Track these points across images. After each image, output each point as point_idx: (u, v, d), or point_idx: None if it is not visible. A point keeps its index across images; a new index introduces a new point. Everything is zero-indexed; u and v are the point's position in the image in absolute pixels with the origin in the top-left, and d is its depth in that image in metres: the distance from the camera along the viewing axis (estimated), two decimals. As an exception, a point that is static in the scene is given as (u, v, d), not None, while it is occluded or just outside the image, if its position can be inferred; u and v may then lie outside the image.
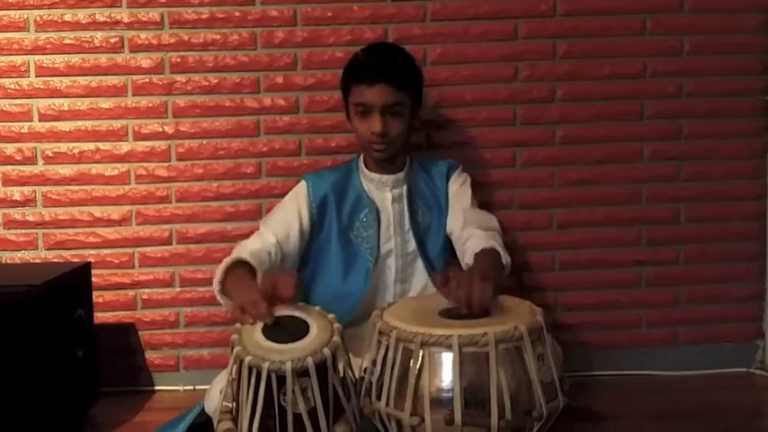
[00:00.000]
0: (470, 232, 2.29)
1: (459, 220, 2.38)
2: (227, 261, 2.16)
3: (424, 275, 2.39)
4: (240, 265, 2.15)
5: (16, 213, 2.75)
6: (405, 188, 2.43)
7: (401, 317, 1.86)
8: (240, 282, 2.07)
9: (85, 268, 2.58)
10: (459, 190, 2.47)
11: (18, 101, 2.71)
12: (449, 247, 2.43)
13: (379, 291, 2.40)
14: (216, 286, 2.13)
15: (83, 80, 2.72)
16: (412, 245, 2.41)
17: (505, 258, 2.18)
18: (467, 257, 2.21)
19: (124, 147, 2.75)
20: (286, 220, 2.38)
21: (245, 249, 2.22)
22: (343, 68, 2.40)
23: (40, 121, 2.72)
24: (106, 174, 2.75)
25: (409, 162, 2.47)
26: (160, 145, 2.75)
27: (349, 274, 2.39)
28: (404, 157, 2.46)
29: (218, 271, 2.14)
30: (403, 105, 2.32)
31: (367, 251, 2.39)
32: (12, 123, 2.72)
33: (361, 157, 2.48)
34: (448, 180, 2.48)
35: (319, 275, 2.42)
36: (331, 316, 1.91)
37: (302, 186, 2.44)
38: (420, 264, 2.40)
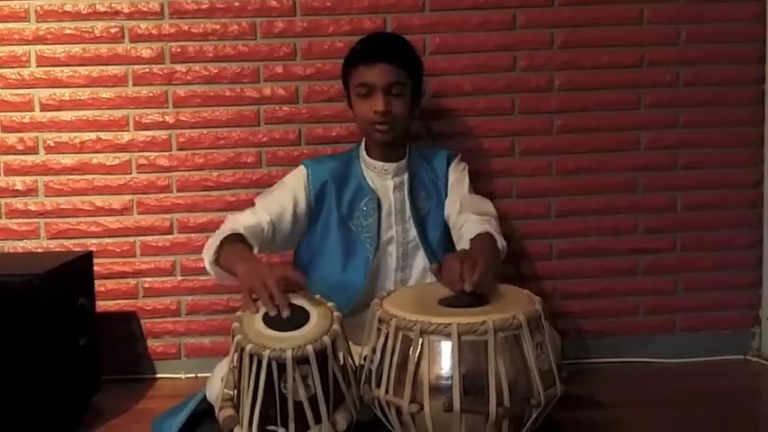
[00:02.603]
0: (466, 218, 2.30)
1: (455, 206, 2.40)
2: (222, 232, 2.16)
3: (424, 263, 2.40)
4: (236, 237, 2.15)
5: (18, 203, 2.76)
6: (406, 176, 2.44)
7: (401, 305, 1.87)
8: (244, 256, 2.06)
9: (87, 257, 2.60)
10: (458, 176, 2.49)
11: (19, 91, 2.73)
12: (449, 234, 2.44)
13: (379, 278, 2.41)
14: (210, 256, 2.12)
15: (83, 70, 2.73)
16: (413, 233, 2.42)
17: (501, 242, 2.20)
18: (462, 243, 2.22)
19: (125, 136, 2.76)
20: (282, 200, 2.37)
21: (240, 223, 2.22)
22: (345, 57, 2.41)
23: (41, 110, 2.73)
24: (107, 163, 2.76)
25: (410, 151, 2.48)
26: (161, 134, 2.76)
27: (348, 264, 2.39)
28: (405, 145, 2.47)
29: (213, 241, 2.14)
30: (404, 86, 2.33)
31: (367, 240, 2.40)
32: (13, 113, 2.73)
33: (363, 145, 2.48)
34: (448, 168, 2.49)
35: (319, 264, 2.42)
36: (331, 304, 1.92)
37: (302, 171, 2.44)
38: (420, 252, 2.41)
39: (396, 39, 2.45)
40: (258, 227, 2.26)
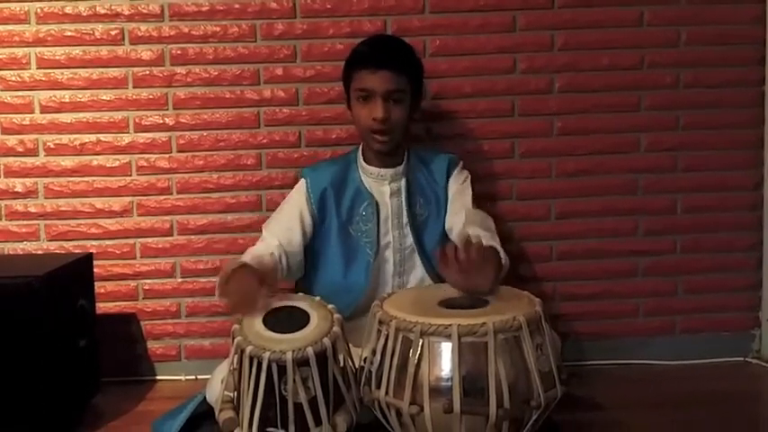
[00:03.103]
0: (472, 230, 2.30)
1: (460, 218, 2.39)
2: (228, 267, 2.15)
3: (422, 269, 2.41)
4: (241, 269, 2.14)
5: (18, 204, 2.76)
6: (403, 182, 2.44)
7: (401, 306, 1.88)
8: (238, 281, 2.02)
9: (87, 259, 2.59)
10: (460, 188, 2.48)
11: (19, 93, 2.72)
12: (445, 241, 2.43)
13: (378, 284, 2.41)
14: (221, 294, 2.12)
15: (84, 72, 2.73)
16: (410, 239, 2.42)
17: (504, 259, 2.19)
18: None
19: (125, 138, 2.76)
20: (288, 221, 2.38)
21: (248, 254, 2.22)
22: (346, 58, 2.41)
23: (41, 112, 2.73)
24: (107, 165, 2.76)
25: (408, 155, 2.47)
26: (161, 136, 2.76)
27: (350, 269, 2.40)
28: (403, 149, 2.46)
29: (220, 279, 2.13)
30: (404, 93, 2.33)
31: (367, 245, 2.40)
32: (13, 115, 2.73)
33: (360, 149, 2.48)
34: (448, 176, 2.48)
35: (320, 269, 2.43)
36: (331, 306, 1.93)
37: (301, 185, 2.44)
38: (418, 257, 2.42)
39: (398, 43, 2.42)
40: (266, 253, 2.26)
